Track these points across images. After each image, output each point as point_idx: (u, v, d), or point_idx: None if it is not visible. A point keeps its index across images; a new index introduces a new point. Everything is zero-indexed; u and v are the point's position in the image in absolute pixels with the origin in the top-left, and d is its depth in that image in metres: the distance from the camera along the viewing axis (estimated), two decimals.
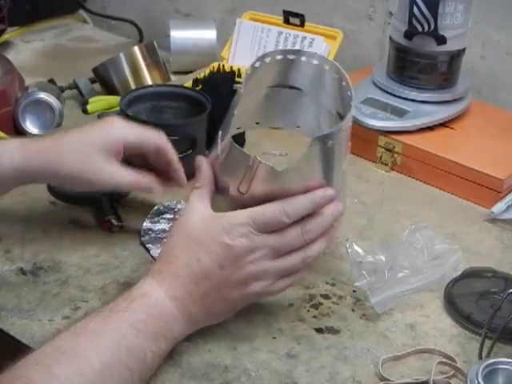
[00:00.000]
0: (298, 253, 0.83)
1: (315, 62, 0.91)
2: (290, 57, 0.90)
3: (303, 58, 0.91)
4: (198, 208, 0.83)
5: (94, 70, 1.40)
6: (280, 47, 1.41)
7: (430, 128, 1.22)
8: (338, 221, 0.86)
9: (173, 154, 0.97)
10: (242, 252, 0.80)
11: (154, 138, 0.96)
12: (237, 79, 1.37)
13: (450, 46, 1.21)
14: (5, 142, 0.96)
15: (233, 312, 0.84)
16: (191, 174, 1.14)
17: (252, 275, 0.81)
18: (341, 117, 0.91)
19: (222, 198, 0.85)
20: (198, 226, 0.81)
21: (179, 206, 1.07)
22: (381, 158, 1.21)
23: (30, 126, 1.29)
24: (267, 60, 0.89)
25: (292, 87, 0.95)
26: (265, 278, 0.82)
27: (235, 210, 0.81)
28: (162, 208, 1.07)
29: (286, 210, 0.80)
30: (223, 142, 0.84)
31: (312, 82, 0.93)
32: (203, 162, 0.86)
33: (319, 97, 0.94)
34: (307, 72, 0.92)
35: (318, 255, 0.84)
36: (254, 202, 0.81)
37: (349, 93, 0.86)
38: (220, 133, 0.86)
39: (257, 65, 0.89)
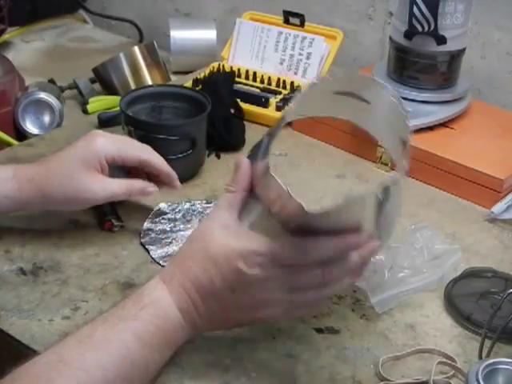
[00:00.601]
0: (316, 289, 0.78)
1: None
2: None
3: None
4: (224, 219, 0.79)
5: (94, 70, 1.40)
6: (280, 47, 1.41)
7: (430, 128, 1.22)
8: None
9: (159, 164, 0.98)
10: (255, 281, 0.76)
11: (136, 153, 0.98)
12: (237, 79, 1.37)
13: (450, 46, 1.21)
14: None
15: (237, 327, 0.83)
16: (191, 174, 1.15)
17: (261, 303, 0.78)
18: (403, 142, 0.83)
19: (255, 204, 0.80)
20: (218, 245, 0.77)
21: (180, 207, 1.07)
22: (381, 157, 1.21)
23: (30, 126, 1.29)
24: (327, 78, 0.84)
25: (360, 98, 0.86)
26: (275, 307, 0.78)
27: (264, 221, 0.78)
28: (163, 208, 1.07)
29: (309, 250, 0.75)
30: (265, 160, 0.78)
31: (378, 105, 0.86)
32: (244, 165, 0.80)
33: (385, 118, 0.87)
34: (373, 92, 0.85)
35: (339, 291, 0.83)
36: (283, 222, 0.77)
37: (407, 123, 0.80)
38: (267, 139, 0.79)
39: (316, 81, 0.83)
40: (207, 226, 0.80)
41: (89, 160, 0.94)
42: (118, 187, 0.96)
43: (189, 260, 0.79)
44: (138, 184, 0.98)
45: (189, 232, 1.02)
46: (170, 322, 0.77)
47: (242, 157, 0.81)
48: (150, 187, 0.98)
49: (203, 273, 0.77)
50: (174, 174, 1.00)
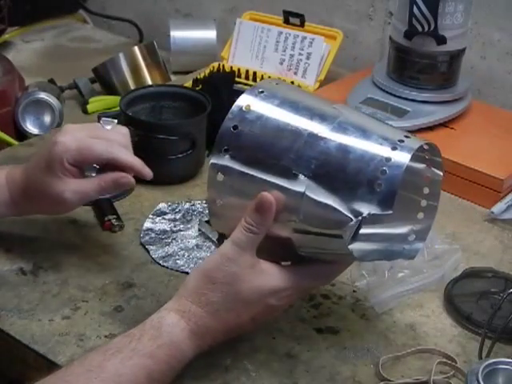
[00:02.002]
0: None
1: None
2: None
3: None
4: (248, 261, 0.77)
5: (94, 70, 1.40)
6: (280, 47, 1.41)
7: (430, 128, 1.22)
8: None
9: (123, 159, 0.91)
10: (279, 307, 0.80)
11: (97, 153, 0.90)
12: (237, 79, 1.37)
13: (450, 46, 1.21)
14: None
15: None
16: (192, 174, 1.15)
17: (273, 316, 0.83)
18: None
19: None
20: (250, 289, 0.77)
21: (180, 207, 1.07)
22: None
23: (30, 126, 1.29)
24: None
25: None
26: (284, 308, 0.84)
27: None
28: (162, 208, 1.06)
29: (326, 280, 0.84)
30: None
31: None
32: (272, 206, 0.77)
33: None
34: None
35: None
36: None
37: None
38: None
39: None
40: (233, 271, 0.77)
41: (52, 168, 0.89)
42: (89, 187, 0.91)
43: (215, 303, 0.77)
44: (109, 177, 0.91)
45: (189, 232, 1.02)
46: (184, 360, 0.77)
47: (269, 195, 0.77)
48: (123, 178, 0.91)
49: (231, 312, 0.78)
50: (137, 164, 0.92)
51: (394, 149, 0.75)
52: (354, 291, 0.94)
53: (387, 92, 1.25)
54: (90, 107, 1.35)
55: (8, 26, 1.59)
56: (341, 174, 0.75)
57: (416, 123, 1.20)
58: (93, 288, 0.93)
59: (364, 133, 0.77)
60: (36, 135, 1.28)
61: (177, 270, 0.96)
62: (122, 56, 1.39)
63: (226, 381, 0.81)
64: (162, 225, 1.04)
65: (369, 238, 0.80)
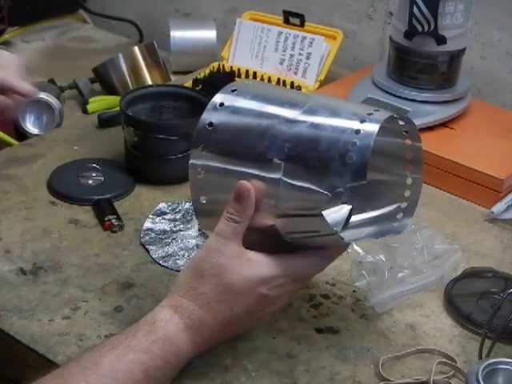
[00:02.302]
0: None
1: None
2: None
3: None
4: (234, 251, 0.78)
5: (94, 70, 1.40)
6: (280, 47, 1.41)
7: (430, 128, 1.22)
8: None
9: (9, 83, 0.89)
10: (274, 299, 0.80)
11: None
12: (237, 79, 1.37)
13: (450, 46, 1.21)
14: None
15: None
16: None
17: (272, 309, 0.81)
18: None
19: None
20: (238, 279, 0.77)
21: (180, 207, 1.07)
22: None
23: (30, 126, 1.29)
24: None
25: None
26: (281, 303, 0.82)
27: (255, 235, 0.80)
28: (162, 208, 1.06)
29: (319, 267, 0.82)
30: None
31: None
32: (251, 194, 0.78)
33: None
34: None
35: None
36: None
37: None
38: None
39: None
40: (220, 262, 0.77)
41: None
42: None
43: (205, 295, 0.77)
44: None
45: (189, 232, 1.02)
46: (182, 357, 0.77)
47: (246, 183, 0.78)
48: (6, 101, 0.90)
49: (224, 304, 0.77)
50: (8, 79, 0.90)
51: (362, 121, 0.77)
52: (353, 291, 0.94)
53: (387, 92, 1.25)
54: (90, 107, 1.35)
55: (8, 26, 1.60)
56: (313, 152, 0.77)
57: (416, 123, 1.18)
58: (93, 288, 0.93)
59: (334, 112, 0.79)
60: (36, 135, 1.28)
61: (177, 270, 0.96)
62: (122, 56, 1.39)
63: (225, 380, 0.81)
64: (161, 225, 1.04)
65: (359, 224, 0.81)
